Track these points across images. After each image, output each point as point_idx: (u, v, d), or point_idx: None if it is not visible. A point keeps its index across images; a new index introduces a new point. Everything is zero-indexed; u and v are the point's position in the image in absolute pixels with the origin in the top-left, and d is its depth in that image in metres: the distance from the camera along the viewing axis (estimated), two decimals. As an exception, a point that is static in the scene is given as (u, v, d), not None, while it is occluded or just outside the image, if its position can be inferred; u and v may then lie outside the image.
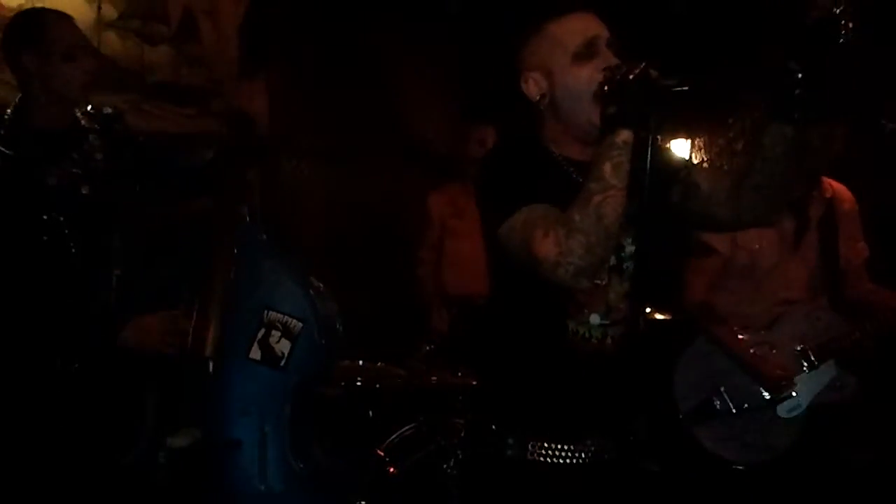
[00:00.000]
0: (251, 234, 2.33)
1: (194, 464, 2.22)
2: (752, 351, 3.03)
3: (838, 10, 1.48)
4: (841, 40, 1.48)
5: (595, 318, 1.77)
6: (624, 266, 1.78)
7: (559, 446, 1.77)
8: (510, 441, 1.78)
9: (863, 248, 3.17)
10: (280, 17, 2.39)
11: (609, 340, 1.78)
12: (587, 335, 1.78)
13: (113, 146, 2.41)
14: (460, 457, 2.88)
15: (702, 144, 4.78)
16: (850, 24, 1.48)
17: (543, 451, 1.77)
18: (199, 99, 4.20)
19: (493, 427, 1.80)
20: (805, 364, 3.00)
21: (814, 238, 3.09)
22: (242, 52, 2.35)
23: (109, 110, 2.50)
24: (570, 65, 1.73)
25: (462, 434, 3.00)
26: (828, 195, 3.11)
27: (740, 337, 3.06)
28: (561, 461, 1.77)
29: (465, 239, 3.95)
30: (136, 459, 2.27)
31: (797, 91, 1.60)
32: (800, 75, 1.57)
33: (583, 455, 1.78)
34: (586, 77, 1.70)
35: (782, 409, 2.99)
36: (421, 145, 5.10)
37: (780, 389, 2.97)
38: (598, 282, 1.75)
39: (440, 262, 4.18)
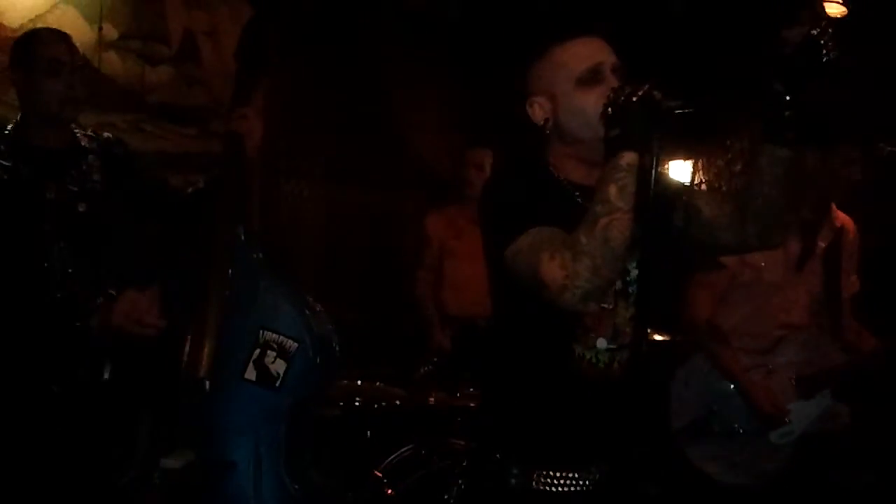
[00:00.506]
0: (247, 254, 2.32)
1: (189, 485, 2.20)
2: (749, 375, 3.02)
3: (816, 32, 1.49)
4: (824, 59, 1.48)
5: (602, 343, 1.76)
6: (630, 290, 1.77)
7: (565, 474, 1.74)
8: (514, 470, 1.74)
9: (854, 283, 3.18)
10: (278, 39, 2.38)
11: (616, 365, 1.77)
12: (594, 360, 1.76)
13: (111, 168, 2.42)
14: (462, 486, 2.85)
15: (700, 166, 4.78)
16: (831, 44, 1.48)
17: (548, 480, 1.74)
18: (199, 119, 4.23)
19: (497, 456, 1.77)
20: (800, 392, 2.99)
21: (818, 265, 3.09)
22: (236, 77, 2.34)
23: (109, 135, 2.52)
24: (574, 90, 1.72)
25: (462, 458, 2.99)
26: (837, 224, 3.11)
27: (740, 360, 3.05)
28: (566, 489, 1.74)
29: (465, 260, 3.95)
30: (131, 481, 2.25)
31: (786, 112, 1.60)
32: (787, 97, 1.57)
33: (587, 482, 1.76)
34: (591, 102, 1.68)
35: (774, 435, 2.98)
36: (420, 165, 5.11)
37: (773, 423, 2.97)
38: (606, 306, 1.74)
39: (440, 283, 4.17)
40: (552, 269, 1.55)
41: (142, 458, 2.25)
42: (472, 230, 3.83)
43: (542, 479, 1.73)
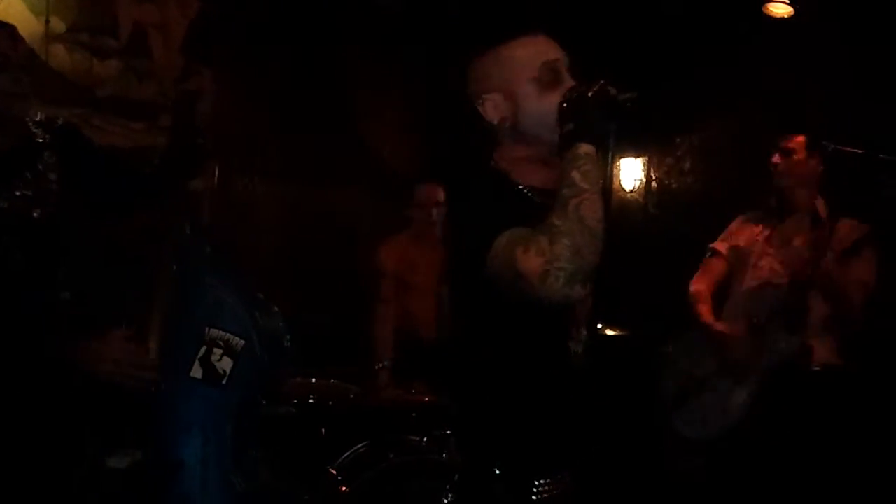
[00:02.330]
0: (194, 250, 2.30)
1: (135, 485, 2.18)
2: (721, 324, 3.20)
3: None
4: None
5: (583, 334, 1.76)
6: None
7: (556, 478, 1.71)
8: (512, 484, 1.68)
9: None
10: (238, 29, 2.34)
11: (583, 354, 1.76)
12: (578, 351, 1.75)
13: (69, 161, 2.35)
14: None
15: (651, 163, 4.84)
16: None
17: (544, 488, 1.69)
18: (148, 113, 4.18)
19: (496, 471, 1.68)
20: (755, 331, 3.10)
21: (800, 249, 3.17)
22: (190, 31, 2.29)
23: (62, 121, 2.45)
24: (537, 91, 1.69)
25: (416, 453, 2.99)
26: (810, 216, 3.18)
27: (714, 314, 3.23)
28: (556, 493, 1.71)
29: (423, 293, 3.87)
30: (77, 481, 2.22)
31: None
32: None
33: (568, 479, 1.74)
34: (556, 105, 1.65)
35: (734, 381, 3.09)
36: (378, 164, 5.11)
37: (737, 362, 3.09)
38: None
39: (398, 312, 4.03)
40: (529, 259, 1.50)
41: (88, 457, 2.22)
42: (425, 262, 3.83)
43: (539, 489, 1.69)
